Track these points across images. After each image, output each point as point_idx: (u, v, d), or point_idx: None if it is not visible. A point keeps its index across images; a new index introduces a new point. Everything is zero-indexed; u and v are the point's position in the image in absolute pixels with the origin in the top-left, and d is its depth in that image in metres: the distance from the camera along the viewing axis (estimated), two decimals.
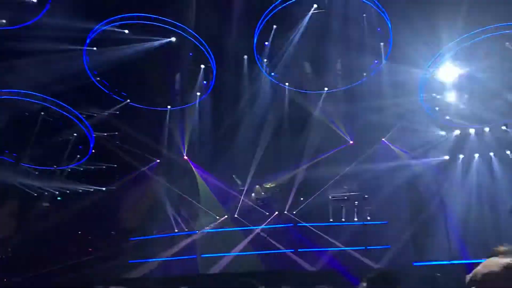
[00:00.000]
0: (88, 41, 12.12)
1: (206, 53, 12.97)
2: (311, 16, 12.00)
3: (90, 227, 15.72)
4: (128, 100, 14.05)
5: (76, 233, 15.86)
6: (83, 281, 12.68)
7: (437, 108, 13.73)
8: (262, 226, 15.43)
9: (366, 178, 14.86)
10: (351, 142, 15.59)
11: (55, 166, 14.93)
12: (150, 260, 14.85)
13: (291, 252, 14.49)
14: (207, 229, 15.55)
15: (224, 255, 14.56)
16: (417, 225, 14.15)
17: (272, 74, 13.39)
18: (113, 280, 11.65)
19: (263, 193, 15.37)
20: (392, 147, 15.40)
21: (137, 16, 12.04)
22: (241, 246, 14.90)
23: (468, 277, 3.06)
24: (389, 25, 11.83)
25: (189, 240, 15.26)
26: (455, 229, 13.81)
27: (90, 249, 15.61)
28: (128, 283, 11.76)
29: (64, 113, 13.49)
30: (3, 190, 14.48)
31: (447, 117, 14.00)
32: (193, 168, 16.23)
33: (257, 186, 15.52)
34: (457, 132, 14.82)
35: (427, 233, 14.14)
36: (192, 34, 12.49)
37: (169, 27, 12.41)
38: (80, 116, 13.65)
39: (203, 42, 12.73)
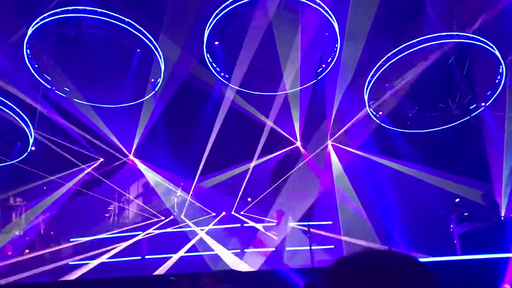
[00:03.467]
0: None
1: (154, 49, 12.71)
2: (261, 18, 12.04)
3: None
4: None
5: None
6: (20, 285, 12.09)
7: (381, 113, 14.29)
8: (209, 226, 15.41)
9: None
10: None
11: None
12: (92, 261, 14.42)
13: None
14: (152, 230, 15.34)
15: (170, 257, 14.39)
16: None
17: (222, 75, 13.31)
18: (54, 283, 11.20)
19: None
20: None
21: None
22: (187, 247, 14.78)
23: None
24: (336, 29, 12.04)
25: (133, 241, 14.95)
26: None
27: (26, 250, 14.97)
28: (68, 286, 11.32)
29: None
30: None
31: None
32: (138, 166, 15.95)
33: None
34: None
35: None
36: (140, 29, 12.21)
37: (117, 22, 12.04)
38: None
39: (152, 38, 12.46)
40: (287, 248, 13.21)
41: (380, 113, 14.11)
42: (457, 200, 13.26)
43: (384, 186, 14.61)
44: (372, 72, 12.84)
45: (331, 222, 15.15)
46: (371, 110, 13.83)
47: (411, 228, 13.50)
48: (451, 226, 12.11)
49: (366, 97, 13.30)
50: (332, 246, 14.52)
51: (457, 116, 13.68)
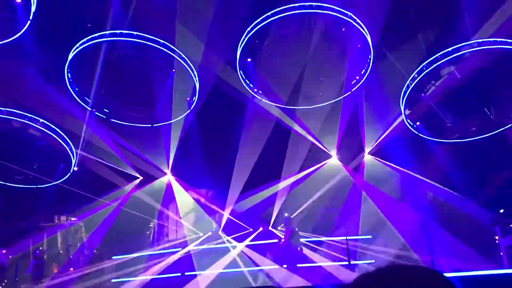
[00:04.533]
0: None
1: (188, 69, 12.94)
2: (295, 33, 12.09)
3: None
4: None
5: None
6: None
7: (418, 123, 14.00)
8: (247, 242, 15.40)
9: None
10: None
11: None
12: (134, 278, 14.64)
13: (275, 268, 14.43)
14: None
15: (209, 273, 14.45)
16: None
17: (256, 90, 13.41)
18: None
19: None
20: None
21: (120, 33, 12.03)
22: (226, 262, 14.80)
23: None
24: (369, 40, 11.94)
25: (173, 257, 15.10)
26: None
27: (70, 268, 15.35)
28: None
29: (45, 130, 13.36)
30: None
31: None
32: (176, 184, 16.19)
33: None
34: None
35: None
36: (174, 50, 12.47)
37: (151, 44, 12.34)
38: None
39: (186, 57, 12.70)
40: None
41: (418, 123, 13.83)
42: (502, 210, 12.78)
43: (425, 197, 14.27)
44: (407, 81, 12.65)
45: (370, 236, 14.87)
46: (408, 120, 13.58)
47: (454, 240, 13.09)
48: (496, 237, 11.69)
49: (402, 107, 13.09)
50: (373, 261, 14.22)
51: (497, 124, 13.24)
